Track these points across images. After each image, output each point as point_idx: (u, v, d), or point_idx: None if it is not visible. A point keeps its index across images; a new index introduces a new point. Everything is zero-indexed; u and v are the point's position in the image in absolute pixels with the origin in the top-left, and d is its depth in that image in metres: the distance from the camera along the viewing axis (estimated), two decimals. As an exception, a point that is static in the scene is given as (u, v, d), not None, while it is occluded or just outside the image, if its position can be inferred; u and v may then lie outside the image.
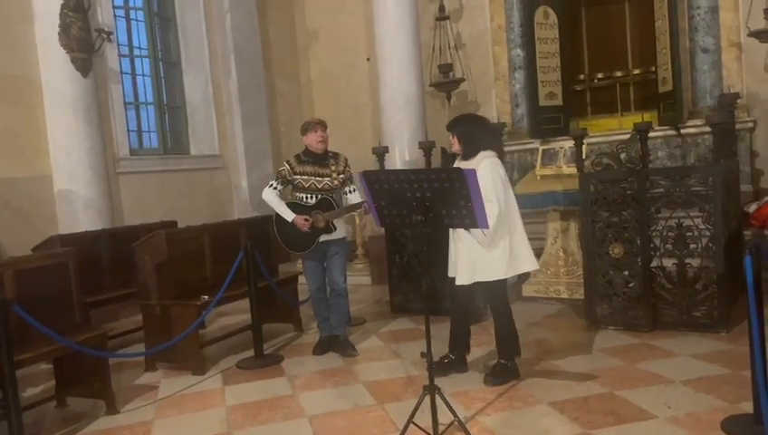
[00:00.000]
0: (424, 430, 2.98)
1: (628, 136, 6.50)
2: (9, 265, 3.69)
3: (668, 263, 4.71)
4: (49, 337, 3.51)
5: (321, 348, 4.87)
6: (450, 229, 3.78)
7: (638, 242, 4.70)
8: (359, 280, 7.38)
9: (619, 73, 8.79)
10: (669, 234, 4.65)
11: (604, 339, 4.63)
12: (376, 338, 5.22)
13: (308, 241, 4.60)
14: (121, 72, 7.48)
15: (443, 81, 8.33)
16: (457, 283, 3.83)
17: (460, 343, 4.15)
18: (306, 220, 4.53)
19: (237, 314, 6.03)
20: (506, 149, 8.04)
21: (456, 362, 4.12)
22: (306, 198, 4.65)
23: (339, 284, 4.74)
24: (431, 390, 2.97)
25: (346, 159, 4.80)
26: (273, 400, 3.97)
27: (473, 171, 2.96)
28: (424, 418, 2.97)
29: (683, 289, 4.64)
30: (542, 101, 8.17)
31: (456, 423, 3.00)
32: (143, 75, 8.00)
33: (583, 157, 5.32)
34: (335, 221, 4.63)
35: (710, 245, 4.54)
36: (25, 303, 3.44)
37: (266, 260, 4.99)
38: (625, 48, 8.76)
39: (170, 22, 8.32)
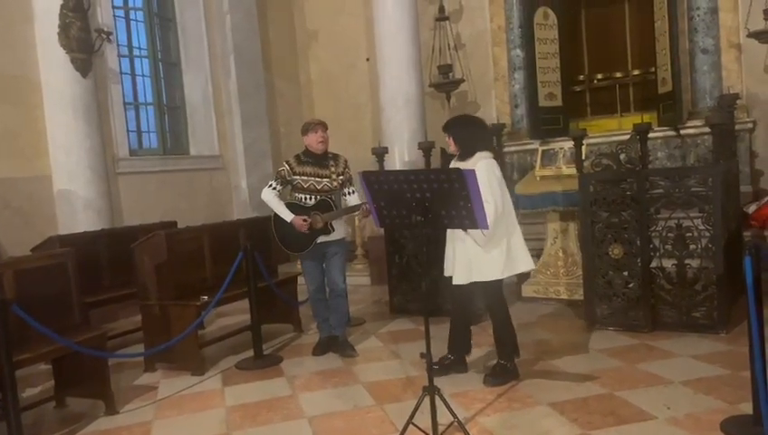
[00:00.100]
0: (423, 431, 2.97)
1: (627, 137, 6.50)
2: (8, 266, 3.69)
3: (668, 263, 4.71)
4: (48, 337, 3.50)
5: (320, 349, 4.87)
6: (448, 229, 3.79)
7: (638, 243, 4.70)
8: (358, 280, 7.38)
9: (618, 74, 8.78)
10: (669, 234, 4.65)
11: (604, 340, 4.63)
12: (375, 339, 5.22)
13: (306, 242, 4.59)
14: (121, 73, 7.48)
15: (442, 81, 8.33)
16: (454, 282, 3.84)
17: (459, 343, 4.15)
18: (305, 221, 4.53)
19: (237, 314, 6.03)
20: (506, 149, 8.08)
21: (455, 362, 4.13)
22: (305, 198, 4.64)
23: (338, 284, 4.74)
24: (431, 390, 2.97)
25: (346, 161, 4.80)
26: (273, 400, 3.96)
27: (472, 172, 2.96)
28: (423, 418, 2.97)
29: (682, 290, 4.64)
30: (542, 102, 8.17)
31: (455, 424, 3.00)
32: (143, 75, 8.00)
33: (583, 157, 5.32)
34: (334, 222, 4.63)
35: (710, 245, 4.54)
36: (25, 303, 3.44)
37: (266, 261, 4.99)
38: (624, 49, 8.76)
39: (170, 22, 8.32)
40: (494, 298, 3.93)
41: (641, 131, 4.88)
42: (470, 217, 3.00)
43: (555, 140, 7.24)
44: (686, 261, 4.62)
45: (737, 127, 6.66)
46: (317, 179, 4.63)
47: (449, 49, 8.36)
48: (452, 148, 3.94)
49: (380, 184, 3.14)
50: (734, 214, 5.28)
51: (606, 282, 4.85)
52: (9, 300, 3.38)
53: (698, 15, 7.31)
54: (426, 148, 6.09)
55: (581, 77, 8.93)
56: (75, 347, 3.68)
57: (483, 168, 3.65)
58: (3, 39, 6.14)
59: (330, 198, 4.60)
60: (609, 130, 7.98)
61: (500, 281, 3.85)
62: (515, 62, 8.38)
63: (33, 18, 6.33)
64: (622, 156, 4.82)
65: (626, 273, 4.78)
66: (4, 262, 3.98)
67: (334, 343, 4.85)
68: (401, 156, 7.14)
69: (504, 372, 3.91)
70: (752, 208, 6.24)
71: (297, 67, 9.75)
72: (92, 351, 3.81)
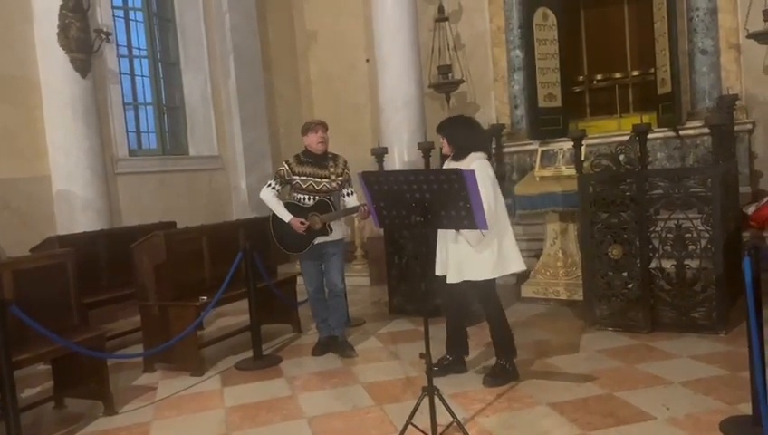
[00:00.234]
0: (423, 432, 2.97)
1: (627, 137, 6.49)
2: (7, 266, 3.69)
3: (667, 264, 4.71)
4: (47, 338, 3.50)
5: (319, 349, 4.87)
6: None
7: (637, 243, 4.70)
8: (357, 281, 7.37)
9: (618, 75, 8.78)
10: (668, 235, 4.65)
11: (603, 340, 4.63)
12: (375, 339, 5.22)
13: (304, 242, 4.60)
14: (120, 73, 7.48)
15: (442, 82, 8.33)
16: (447, 281, 3.85)
17: (457, 344, 4.15)
18: (302, 223, 4.53)
19: (236, 314, 6.02)
20: (505, 150, 8.08)
21: (454, 363, 4.13)
22: (304, 199, 4.64)
23: (337, 284, 4.74)
24: (430, 391, 2.97)
25: (345, 161, 4.79)
26: (272, 401, 3.96)
27: (472, 172, 2.96)
28: (423, 419, 2.97)
29: (682, 290, 4.64)
30: (542, 103, 8.16)
31: (454, 424, 3.00)
32: (142, 76, 8.00)
33: (582, 158, 5.33)
34: (332, 223, 4.63)
35: (709, 246, 4.54)
36: (24, 303, 3.43)
37: (265, 261, 4.98)
38: (624, 49, 8.76)
39: (169, 22, 8.32)
40: (487, 298, 3.94)
41: (640, 132, 4.89)
42: (469, 217, 3.00)
43: (555, 140, 7.24)
44: (686, 262, 4.62)
45: (736, 128, 6.66)
46: (316, 180, 4.63)
47: (449, 50, 8.36)
48: (446, 148, 3.97)
49: (380, 184, 3.14)
50: (733, 215, 5.28)
51: (605, 282, 4.84)
52: (8, 300, 3.38)
53: (698, 16, 7.31)
54: (425, 148, 6.09)
55: (581, 78, 8.93)
56: (74, 348, 3.68)
57: (477, 168, 3.65)
58: (2, 39, 6.14)
59: (328, 199, 4.60)
60: (609, 131, 7.97)
61: (492, 281, 3.86)
62: (515, 63, 8.38)
63: (33, 18, 6.33)
64: (621, 157, 4.82)
65: (625, 273, 4.78)
66: (3, 262, 3.97)
67: (334, 344, 4.84)
68: (401, 156, 7.13)
69: (503, 373, 3.91)
70: (751, 209, 6.24)
71: (296, 67, 9.74)
72: (91, 351, 3.80)
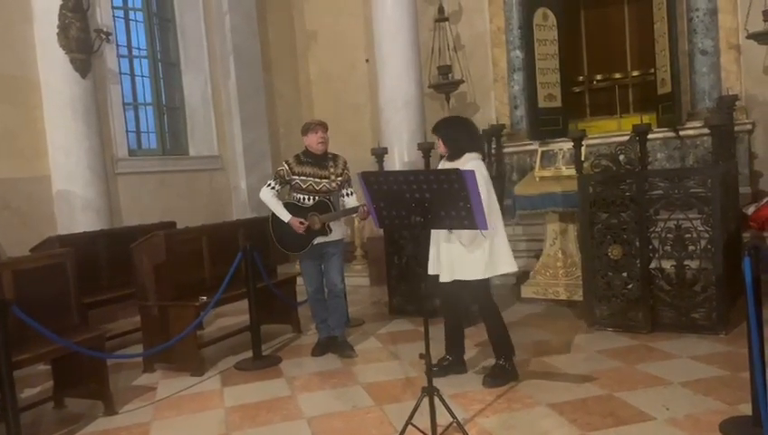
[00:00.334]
0: (422, 432, 2.97)
1: (626, 138, 6.48)
2: (7, 266, 3.69)
3: (667, 264, 4.71)
4: (47, 338, 3.50)
5: (319, 349, 4.87)
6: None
7: (637, 244, 4.70)
8: (357, 281, 7.38)
9: (617, 75, 8.78)
10: (668, 235, 4.65)
11: (603, 340, 4.63)
12: (374, 339, 5.22)
13: (303, 242, 4.60)
14: (120, 73, 7.48)
15: (442, 82, 8.33)
16: (440, 280, 3.86)
17: (456, 344, 4.15)
18: (302, 223, 4.53)
19: (236, 315, 6.02)
20: (505, 150, 8.07)
21: (453, 363, 4.13)
22: (304, 199, 4.64)
23: (336, 285, 4.74)
24: (430, 391, 2.97)
25: (345, 162, 4.80)
26: (272, 401, 3.96)
27: (472, 173, 2.96)
28: (422, 419, 2.97)
29: (682, 291, 4.64)
30: (541, 103, 8.16)
31: (454, 425, 3.00)
32: (142, 76, 7.99)
33: (582, 158, 5.32)
34: (332, 224, 4.63)
35: (709, 246, 4.54)
36: (24, 303, 3.43)
37: (265, 261, 4.98)
38: (624, 50, 8.76)
39: (169, 22, 8.32)
40: (481, 299, 3.95)
41: (640, 132, 4.89)
42: (469, 217, 3.00)
43: (555, 141, 7.24)
44: (686, 262, 4.62)
45: (736, 128, 6.66)
46: (316, 180, 4.63)
47: (449, 50, 8.35)
48: (441, 149, 3.98)
49: (380, 184, 3.14)
50: (733, 215, 5.28)
51: (605, 283, 4.84)
52: (8, 300, 3.38)
53: (697, 17, 7.31)
54: (425, 148, 6.09)
55: (581, 78, 8.93)
56: (74, 347, 3.68)
57: (472, 168, 3.65)
58: (2, 39, 6.14)
59: (328, 199, 4.60)
60: (609, 131, 7.97)
61: (485, 281, 3.87)
62: (515, 63, 8.38)
63: (33, 18, 6.33)
64: (621, 157, 4.82)
65: (625, 274, 4.78)
66: (3, 262, 3.97)
67: (333, 344, 4.84)
68: (401, 157, 7.14)
69: (502, 373, 3.91)
70: (751, 210, 6.24)
71: (296, 68, 9.74)
72: (91, 351, 3.80)
